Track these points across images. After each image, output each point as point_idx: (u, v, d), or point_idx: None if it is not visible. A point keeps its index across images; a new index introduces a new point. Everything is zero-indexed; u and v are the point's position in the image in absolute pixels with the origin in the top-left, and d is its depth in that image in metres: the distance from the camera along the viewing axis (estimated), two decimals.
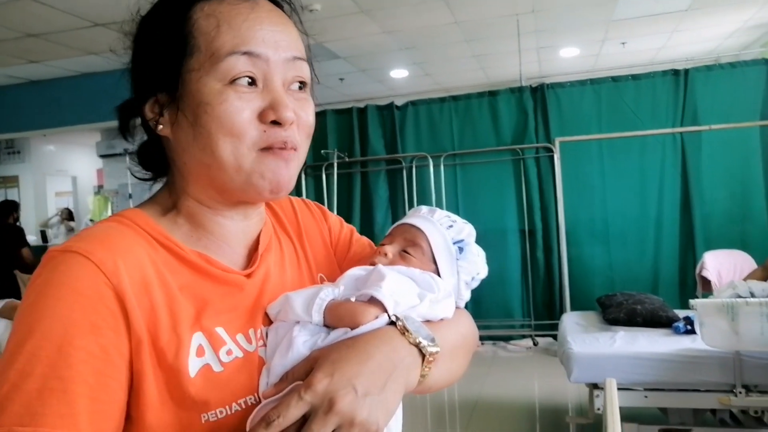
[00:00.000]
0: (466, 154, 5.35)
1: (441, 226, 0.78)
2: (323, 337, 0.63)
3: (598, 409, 2.74)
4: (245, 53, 0.61)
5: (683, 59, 6.45)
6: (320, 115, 5.78)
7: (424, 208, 0.82)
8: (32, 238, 7.20)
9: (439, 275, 0.76)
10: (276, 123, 0.62)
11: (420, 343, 0.62)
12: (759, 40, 6.32)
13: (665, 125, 4.84)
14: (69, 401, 0.53)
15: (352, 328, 0.62)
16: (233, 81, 0.61)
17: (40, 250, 5.90)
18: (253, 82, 0.62)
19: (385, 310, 0.64)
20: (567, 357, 2.84)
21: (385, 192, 5.57)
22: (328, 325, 0.65)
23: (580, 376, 2.78)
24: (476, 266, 0.79)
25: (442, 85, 7.27)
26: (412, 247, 0.77)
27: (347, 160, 5.62)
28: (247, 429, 0.57)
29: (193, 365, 0.59)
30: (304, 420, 0.54)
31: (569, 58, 6.65)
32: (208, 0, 0.64)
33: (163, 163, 0.70)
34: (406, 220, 0.81)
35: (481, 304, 5.20)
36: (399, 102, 5.61)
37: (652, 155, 4.93)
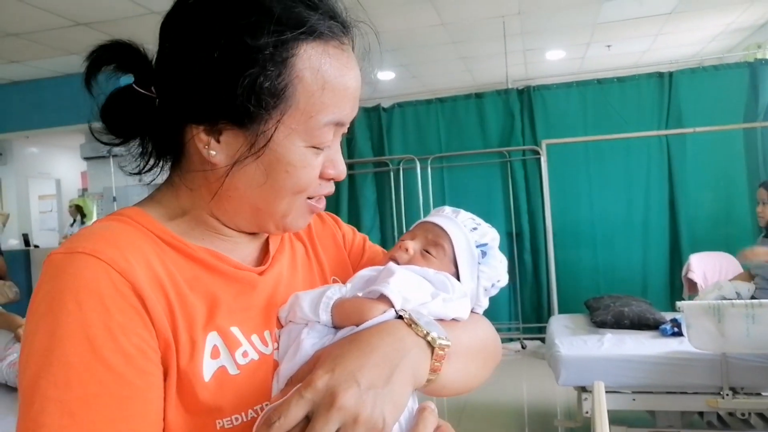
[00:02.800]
0: (453, 156, 5.34)
1: (465, 228, 0.76)
2: (331, 339, 0.61)
3: (587, 412, 2.74)
4: (338, 124, 0.62)
5: (667, 62, 6.51)
6: None
7: (447, 209, 0.80)
8: (14, 242, 7.08)
9: (458, 278, 0.73)
10: (331, 178, 0.65)
11: (428, 334, 0.58)
12: (742, 43, 6.40)
13: (650, 127, 4.88)
14: (117, 405, 0.50)
15: (358, 325, 0.59)
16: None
17: (22, 255, 5.80)
18: None
19: (393, 306, 0.61)
20: (555, 360, 2.83)
21: (373, 194, 5.54)
22: (337, 326, 0.62)
23: (568, 379, 2.78)
24: (497, 272, 0.76)
25: (428, 87, 7.27)
26: (434, 247, 0.74)
27: None
28: None
29: (207, 368, 0.56)
30: (308, 420, 0.50)
31: (555, 60, 6.68)
32: (313, 38, 0.58)
33: (168, 149, 0.64)
34: (429, 218, 0.78)
35: None
36: (386, 104, 5.59)
37: (637, 157, 4.96)
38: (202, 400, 0.55)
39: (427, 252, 0.74)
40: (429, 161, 5.33)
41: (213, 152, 0.59)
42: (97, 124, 0.63)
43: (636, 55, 6.67)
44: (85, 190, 7.33)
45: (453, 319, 0.67)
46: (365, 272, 0.70)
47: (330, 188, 0.66)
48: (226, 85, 0.56)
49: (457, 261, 0.74)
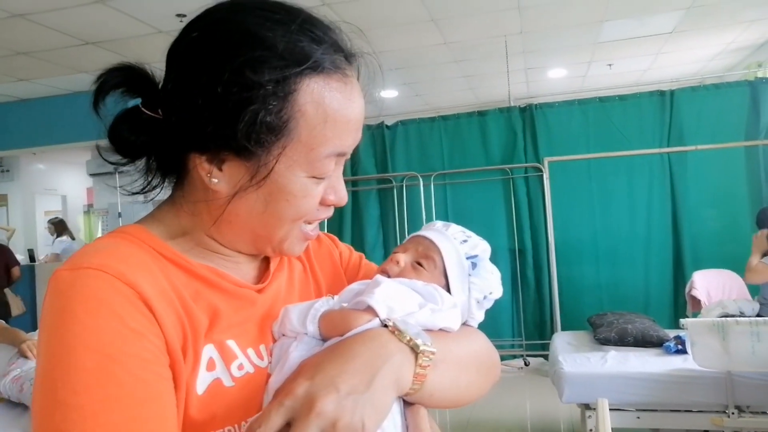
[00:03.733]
0: (455, 173, 5.37)
1: (455, 241, 0.77)
2: (317, 350, 0.61)
3: (591, 430, 2.72)
4: (339, 154, 0.63)
5: (669, 80, 6.55)
6: None
7: (438, 223, 0.81)
8: (20, 257, 7.10)
9: (449, 290, 0.74)
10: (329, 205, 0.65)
11: (411, 340, 0.58)
12: (742, 62, 6.45)
13: (652, 145, 4.90)
14: (136, 408, 0.50)
15: (343, 335, 0.60)
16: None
17: (27, 270, 5.82)
18: None
19: (378, 316, 0.62)
20: (558, 377, 2.82)
21: (376, 210, 5.56)
22: (324, 338, 0.63)
23: (571, 396, 2.77)
24: (489, 284, 0.76)
25: (431, 105, 7.33)
26: (424, 259, 0.75)
27: None
28: None
29: (201, 381, 0.57)
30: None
31: (557, 78, 6.73)
32: (316, 72, 0.59)
33: (169, 169, 0.65)
34: (420, 232, 0.79)
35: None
36: (389, 122, 5.64)
37: (640, 175, 4.97)
38: (192, 414, 0.55)
39: (418, 264, 0.75)
40: (432, 178, 5.35)
41: (215, 180, 0.60)
42: (104, 143, 0.64)
43: (637, 73, 6.72)
44: (90, 206, 7.37)
45: (442, 329, 0.67)
46: (354, 286, 0.70)
47: (328, 213, 0.67)
48: (229, 118, 0.57)
49: (447, 273, 0.74)
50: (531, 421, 3.95)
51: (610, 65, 6.32)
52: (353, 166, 5.63)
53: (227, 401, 0.58)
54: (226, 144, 0.58)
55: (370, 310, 0.62)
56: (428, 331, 0.65)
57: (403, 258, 0.76)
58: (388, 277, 0.74)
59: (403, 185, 5.47)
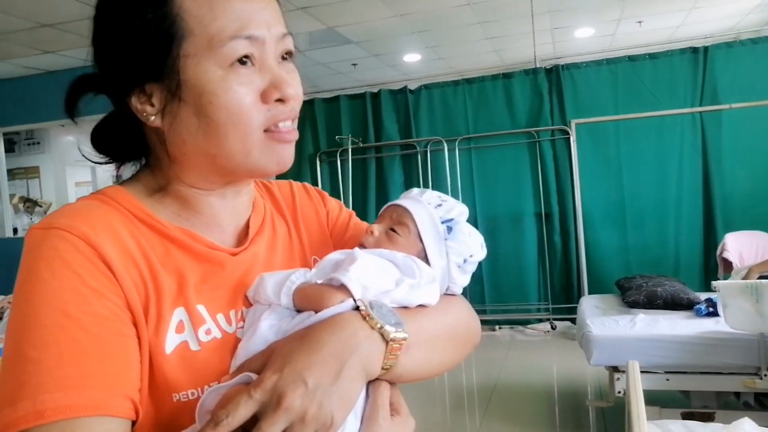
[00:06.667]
0: (480, 137, 5.31)
1: (429, 206, 0.76)
2: (289, 322, 0.61)
3: (619, 392, 2.73)
4: (247, 37, 0.60)
5: (702, 37, 6.31)
6: (334, 101, 5.76)
7: (415, 190, 0.80)
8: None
9: (426, 256, 0.73)
10: (279, 100, 0.62)
11: (382, 327, 0.58)
12: None
13: (684, 105, 4.76)
14: (90, 362, 0.52)
15: (316, 312, 0.60)
16: (233, 64, 0.60)
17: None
18: (252, 63, 0.61)
19: (352, 296, 0.61)
20: (587, 340, 2.82)
21: (400, 177, 5.55)
22: (298, 310, 0.63)
23: (600, 359, 2.76)
24: (468, 247, 0.74)
25: (455, 69, 7.19)
26: (398, 225, 0.75)
27: (361, 145, 5.60)
28: (196, 415, 0.55)
29: (170, 341, 0.58)
30: (256, 419, 0.51)
31: (584, 38, 6.53)
32: None
33: (139, 147, 0.69)
34: (395, 201, 0.79)
35: (498, 288, 5.20)
36: (412, 86, 5.57)
37: (670, 136, 4.85)
38: (162, 373, 0.57)
39: (393, 231, 0.74)
40: (457, 143, 5.30)
41: (152, 117, 0.62)
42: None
43: (669, 30, 6.48)
44: (119, 176, 7.48)
45: (421, 305, 0.67)
46: (334, 256, 0.69)
47: (285, 113, 0.63)
48: (127, 50, 0.60)
49: (422, 238, 0.74)
50: (558, 384, 3.98)
51: (640, 22, 6.09)
52: (376, 131, 5.60)
53: (193, 364, 0.59)
54: (138, 75, 0.61)
55: (344, 288, 0.61)
56: (405, 308, 0.64)
57: (377, 228, 0.75)
58: (364, 248, 0.73)
59: (427, 150, 5.43)
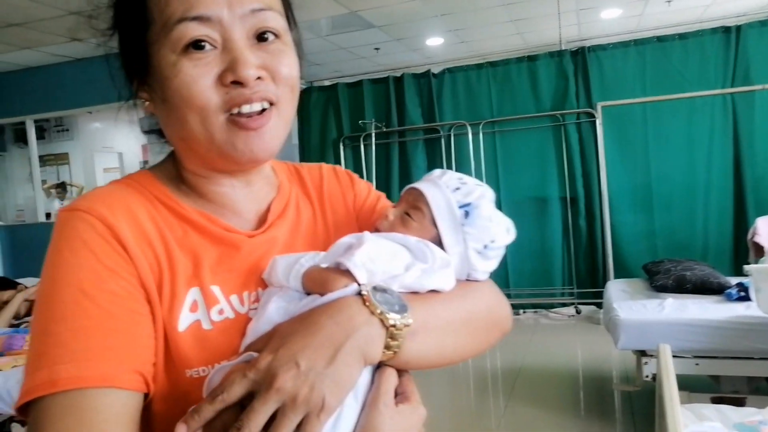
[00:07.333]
0: (505, 121, 5.26)
1: (446, 189, 0.72)
2: (296, 304, 0.61)
3: (647, 376, 2.72)
4: (194, 18, 0.58)
5: (734, 15, 6.13)
6: (357, 86, 5.75)
7: (436, 172, 0.77)
8: None
9: (441, 241, 0.71)
10: (237, 83, 0.59)
11: (382, 313, 0.57)
12: None
13: (715, 86, 4.66)
14: (104, 336, 0.55)
15: (322, 296, 0.60)
16: (186, 49, 0.59)
17: None
18: (212, 46, 0.60)
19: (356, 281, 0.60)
20: (614, 324, 2.81)
21: (424, 161, 5.54)
22: (308, 293, 0.63)
23: (627, 342, 2.75)
24: (488, 232, 0.71)
25: (478, 52, 7.11)
26: (412, 210, 0.73)
27: (385, 130, 5.60)
28: (203, 392, 0.56)
29: (183, 320, 0.60)
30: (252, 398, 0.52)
31: (611, 19, 6.40)
32: None
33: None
34: (413, 183, 0.77)
35: (522, 273, 5.18)
36: (435, 70, 5.53)
37: (700, 118, 4.75)
38: (176, 349, 0.59)
39: (407, 215, 0.73)
40: (480, 126, 5.27)
41: (147, 103, 0.65)
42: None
43: (699, 9, 6.31)
44: (146, 162, 7.59)
45: (433, 290, 0.65)
46: (345, 240, 0.67)
47: (243, 96, 0.60)
48: (120, 39, 0.65)
49: (436, 222, 0.71)
50: (583, 368, 3.98)
51: (668, 2, 5.95)
52: (400, 116, 5.59)
53: (205, 343, 0.61)
54: (131, 68, 0.64)
55: (349, 273, 0.60)
56: (415, 294, 0.63)
57: (392, 211, 0.74)
58: (379, 231, 0.72)
59: (450, 135, 5.40)
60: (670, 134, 4.84)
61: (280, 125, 0.64)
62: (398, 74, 5.67)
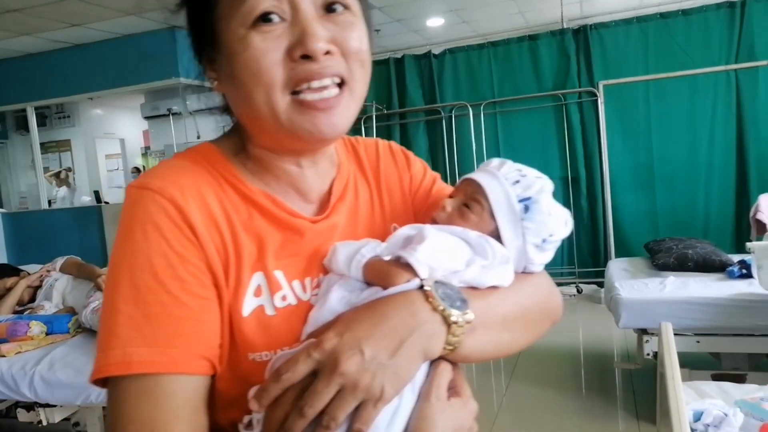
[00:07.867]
0: (506, 101, 5.23)
1: (506, 182, 0.71)
2: (358, 294, 0.62)
3: (648, 354, 2.73)
4: None
5: None
6: None
7: (494, 162, 0.75)
8: (86, 199, 7.48)
9: (499, 234, 0.70)
10: (306, 57, 0.58)
11: (444, 310, 0.57)
12: None
13: (718, 63, 4.62)
14: (174, 323, 0.57)
15: (384, 289, 0.60)
16: (256, 22, 0.57)
17: (95, 210, 6.09)
18: (281, 18, 0.58)
19: (418, 276, 0.60)
20: (615, 303, 2.82)
21: (425, 143, 5.52)
22: (369, 283, 0.63)
23: (629, 321, 2.76)
24: (547, 227, 0.70)
25: (479, 32, 7.04)
26: (471, 202, 0.71)
27: (386, 111, 5.57)
28: (265, 376, 0.57)
29: (248, 304, 0.61)
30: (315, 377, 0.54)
31: None
32: None
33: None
34: (472, 173, 0.74)
35: None
36: (436, 51, 5.49)
37: (703, 95, 4.72)
38: (240, 333, 0.60)
39: (465, 207, 0.71)
40: (482, 107, 5.24)
41: (215, 82, 0.65)
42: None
43: None
44: (147, 148, 7.60)
45: (492, 286, 0.65)
46: (404, 231, 0.67)
47: (311, 71, 0.58)
48: (189, 16, 0.64)
49: (495, 216, 0.70)
50: (584, 347, 4.00)
51: None
52: (400, 97, 5.56)
53: (267, 328, 0.61)
54: (200, 43, 0.64)
55: (411, 267, 0.60)
56: (475, 289, 0.63)
57: (449, 203, 0.72)
58: (436, 224, 0.71)
59: (452, 116, 5.38)
60: (673, 112, 4.81)
61: (351, 105, 0.63)
62: (399, 56, 5.63)
